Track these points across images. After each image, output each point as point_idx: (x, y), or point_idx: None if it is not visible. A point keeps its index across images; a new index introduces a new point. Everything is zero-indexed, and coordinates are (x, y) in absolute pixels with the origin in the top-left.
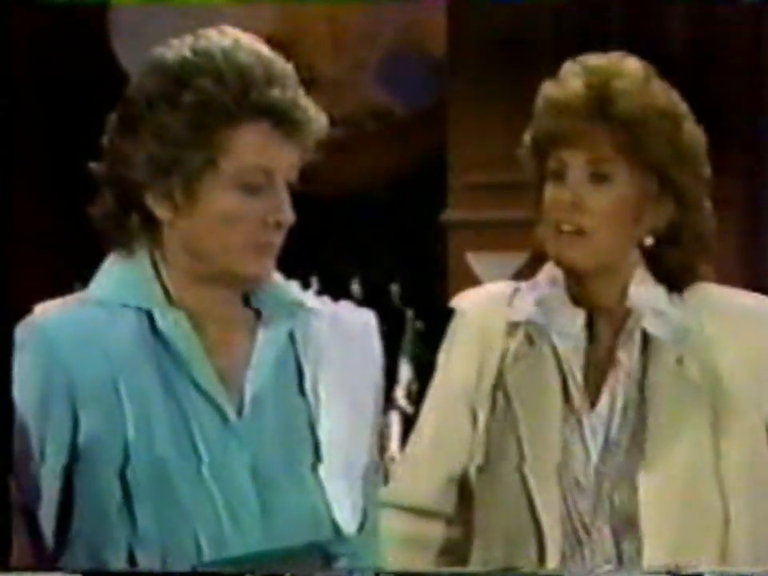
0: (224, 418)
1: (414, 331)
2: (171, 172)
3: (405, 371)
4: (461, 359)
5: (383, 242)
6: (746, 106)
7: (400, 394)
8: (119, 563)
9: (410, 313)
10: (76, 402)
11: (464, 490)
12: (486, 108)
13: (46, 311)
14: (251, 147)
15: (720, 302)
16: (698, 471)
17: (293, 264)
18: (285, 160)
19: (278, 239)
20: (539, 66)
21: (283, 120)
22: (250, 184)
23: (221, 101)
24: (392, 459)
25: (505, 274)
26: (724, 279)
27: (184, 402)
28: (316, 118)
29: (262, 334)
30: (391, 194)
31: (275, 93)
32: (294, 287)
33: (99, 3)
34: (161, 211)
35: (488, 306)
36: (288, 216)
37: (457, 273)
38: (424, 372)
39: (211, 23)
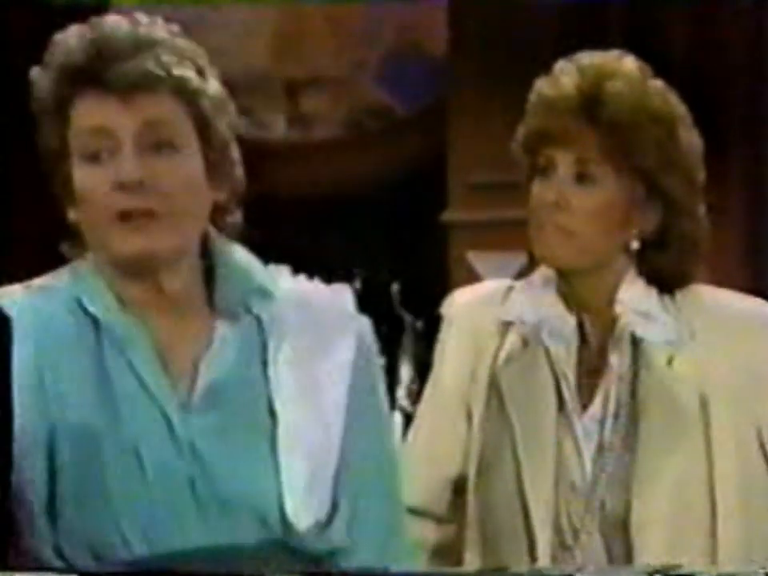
0: (164, 409)
1: (415, 331)
2: (54, 170)
3: (405, 371)
4: (454, 359)
5: (384, 242)
6: (746, 108)
7: (401, 393)
8: (47, 557)
9: (410, 313)
10: (14, 389)
11: (458, 490)
12: (487, 107)
13: None
14: (84, 115)
15: (712, 304)
16: (690, 474)
17: (293, 264)
18: (130, 120)
19: (137, 204)
20: (540, 65)
21: (110, 82)
22: (91, 151)
23: (56, 85)
24: None
25: (506, 273)
26: (724, 283)
27: (119, 389)
28: (153, 72)
29: (221, 323)
30: (392, 194)
31: (95, 61)
32: (258, 272)
33: (99, 3)
34: (69, 212)
35: (481, 304)
36: (128, 173)
37: (458, 273)
38: (425, 372)
39: (211, 23)
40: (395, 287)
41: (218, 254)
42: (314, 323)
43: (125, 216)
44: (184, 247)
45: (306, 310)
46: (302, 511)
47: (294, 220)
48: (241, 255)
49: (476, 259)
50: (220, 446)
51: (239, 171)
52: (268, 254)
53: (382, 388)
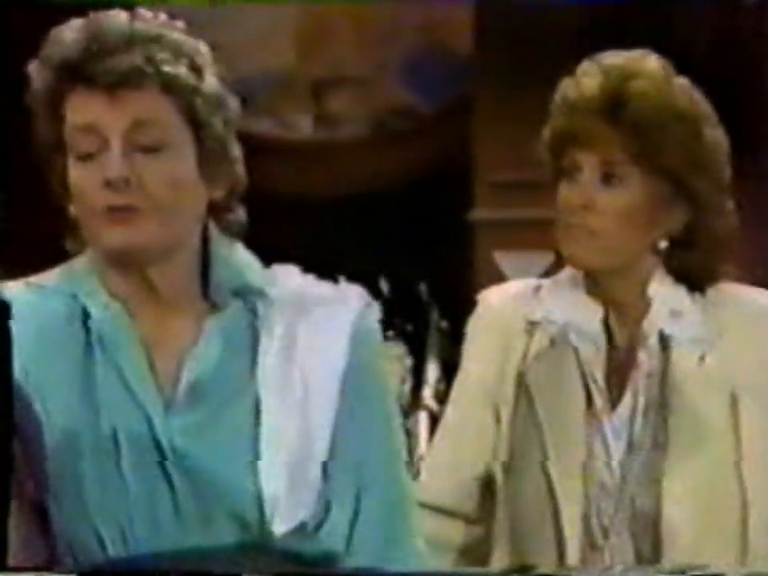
0: (145, 409)
1: (441, 330)
2: (50, 166)
3: (432, 370)
4: (482, 358)
5: (410, 241)
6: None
7: (427, 393)
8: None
9: (437, 312)
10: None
11: (486, 489)
12: (511, 106)
13: None
14: (75, 112)
15: (741, 302)
16: (719, 473)
17: (319, 263)
18: (118, 117)
19: (122, 200)
20: (565, 63)
21: (97, 78)
22: (83, 149)
23: (50, 80)
24: (420, 458)
25: (532, 272)
26: (747, 279)
27: (103, 388)
28: (142, 73)
29: (211, 323)
30: (417, 193)
31: (91, 60)
32: (255, 270)
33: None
34: (69, 207)
35: (509, 304)
36: (113, 171)
37: (484, 271)
38: (451, 371)
39: (235, 22)
40: (422, 286)
41: (216, 250)
42: (309, 322)
43: (111, 211)
44: (169, 243)
45: (303, 308)
46: (281, 514)
47: (318, 220)
48: (238, 253)
49: (502, 258)
50: (200, 445)
51: (239, 169)
52: (290, 253)
53: (383, 389)
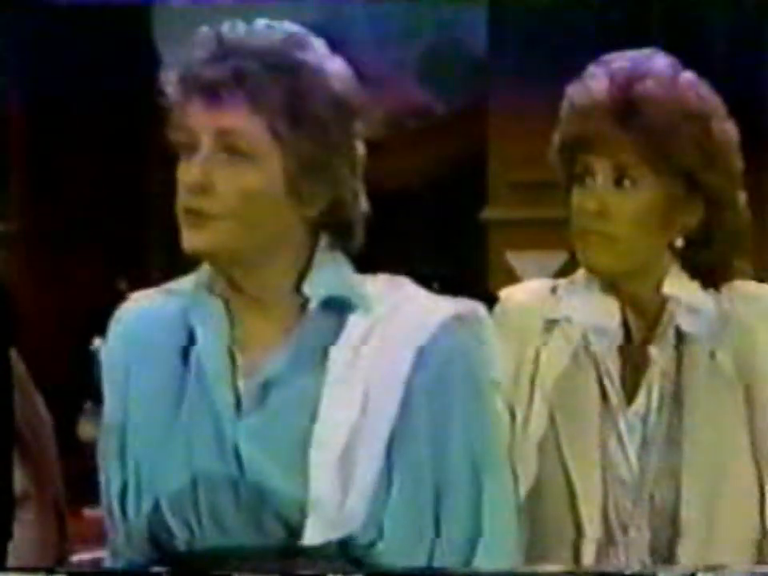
0: (217, 410)
1: None
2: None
3: None
4: (498, 357)
5: (423, 240)
6: None
7: None
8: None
9: None
10: (107, 389)
11: None
12: (527, 106)
13: (135, 297)
14: (187, 113)
15: (756, 298)
16: (735, 467)
17: None
18: (213, 122)
19: (194, 204)
20: (580, 64)
21: (199, 85)
22: (184, 151)
23: (174, 84)
24: None
25: (545, 272)
26: (759, 275)
27: (189, 388)
28: (237, 79)
29: (296, 329)
30: (431, 193)
31: (198, 66)
32: (348, 285)
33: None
34: None
35: (527, 303)
36: (191, 175)
37: (497, 271)
38: None
39: (253, 20)
40: (435, 285)
41: (318, 261)
42: (385, 330)
43: (186, 214)
44: (242, 249)
45: (385, 319)
46: (319, 523)
47: None
48: (338, 267)
49: (515, 258)
50: (259, 447)
51: (343, 193)
52: None
53: (468, 404)
